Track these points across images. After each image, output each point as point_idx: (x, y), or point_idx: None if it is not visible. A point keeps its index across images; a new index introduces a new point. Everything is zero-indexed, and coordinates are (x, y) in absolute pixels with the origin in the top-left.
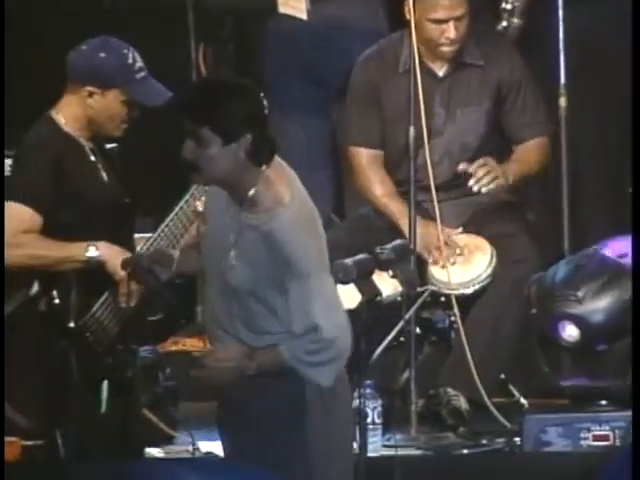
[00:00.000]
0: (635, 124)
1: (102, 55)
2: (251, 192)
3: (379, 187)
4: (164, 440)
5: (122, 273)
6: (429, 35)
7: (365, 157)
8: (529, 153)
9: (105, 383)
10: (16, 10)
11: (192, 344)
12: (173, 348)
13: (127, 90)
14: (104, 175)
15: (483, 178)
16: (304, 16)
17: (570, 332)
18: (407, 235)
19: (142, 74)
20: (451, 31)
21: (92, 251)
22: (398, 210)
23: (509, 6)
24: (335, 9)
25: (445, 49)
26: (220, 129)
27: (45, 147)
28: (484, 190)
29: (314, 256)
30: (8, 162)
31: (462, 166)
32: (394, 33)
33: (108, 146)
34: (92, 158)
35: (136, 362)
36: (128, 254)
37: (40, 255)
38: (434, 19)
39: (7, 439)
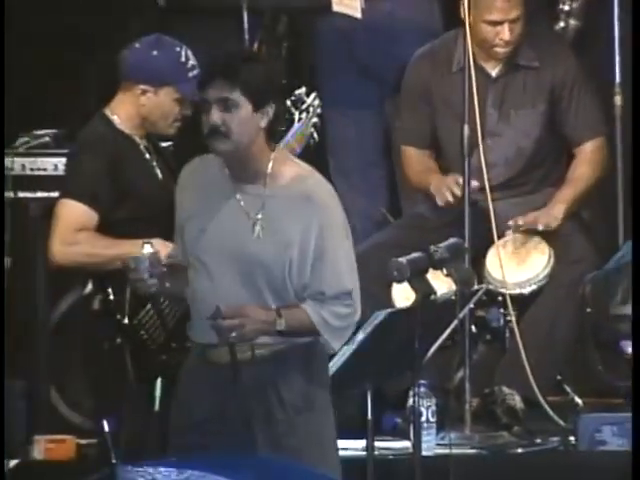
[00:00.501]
0: (635, 124)
1: (155, 53)
2: (269, 167)
3: (429, 176)
4: None
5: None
6: (484, 36)
7: (414, 156)
8: (585, 167)
9: (159, 381)
10: (66, 5)
11: None
12: None
13: (180, 88)
14: (158, 172)
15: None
16: (358, 15)
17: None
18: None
19: (194, 72)
20: (505, 33)
21: (147, 248)
22: (435, 179)
23: (567, 7)
24: (390, 7)
25: (499, 50)
26: (251, 93)
27: (101, 144)
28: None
29: (345, 221)
30: (54, 160)
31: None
32: (447, 32)
33: (162, 144)
34: (147, 156)
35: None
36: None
37: (96, 253)
38: (489, 21)
39: (61, 437)
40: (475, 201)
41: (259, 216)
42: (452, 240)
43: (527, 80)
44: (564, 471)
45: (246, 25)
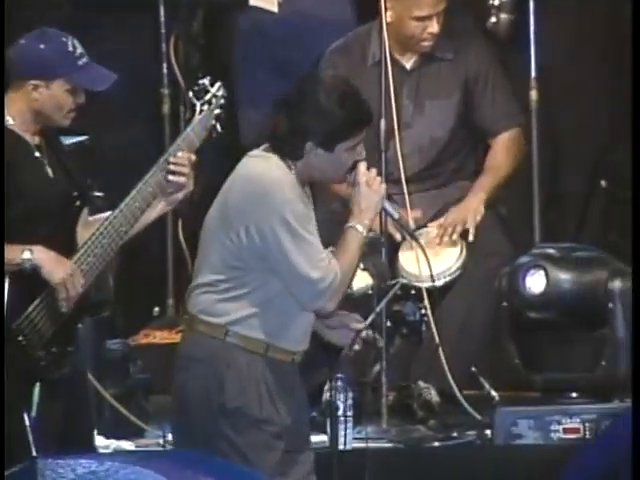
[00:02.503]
0: (635, 124)
1: (41, 47)
2: None
3: None
4: (135, 433)
5: (57, 279)
6: (411, 32)
7: None
8: (502, 156)
9: (38, 386)
10: None
11: (163, 337)
12: (144, 341)
13: (71, 78)
14: (49, 171)
15: (450, 236)
16: (275, 9)
17: (537, 282)
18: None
19: (84, 60)
20: (434, 26)
21: (27, 255)
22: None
23: (497, 2)
24: (304, 3)
25: (426, 44)
26: None
27: None
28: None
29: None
30: None
31: (432, 228)
32: (361, 26)
33: (73, 140)
34: (37, 154)
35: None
36: (64, 260)
37: None
38: (418, 16)
39: None
40: (390, 195)
41: None
42: (369, 235)
43: (442, 71)
44: (480, 465)
45: (162, 19)
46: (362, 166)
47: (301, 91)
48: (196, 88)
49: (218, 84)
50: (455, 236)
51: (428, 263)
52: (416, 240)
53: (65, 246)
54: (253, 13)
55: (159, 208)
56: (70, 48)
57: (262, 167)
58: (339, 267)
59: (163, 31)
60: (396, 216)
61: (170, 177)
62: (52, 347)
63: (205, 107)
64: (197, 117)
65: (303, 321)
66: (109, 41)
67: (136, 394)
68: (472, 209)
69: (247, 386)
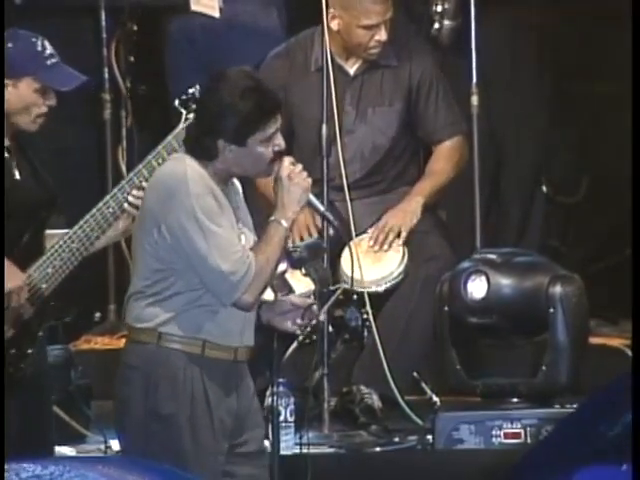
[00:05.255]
0: (635, 124)
1: (10, 45)
2: None
3: None
4: (76, 439)
5: (6, 289)
6: (359, 41)
7: None
8: (443, 161)
9: None
10: None
11: (104, 342)
12: (85, 347)
13: (39, 77)
14: (16, 172)
15: (384, 242)
16: (216, 14)
17: (478, 287)
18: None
19: (53, 60)
20: (382, 34)
21: None
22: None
23: (439, 8)
24: (231, 10)
25: (374, 51)
26: None
27: None
28: (385, 247)
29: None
30: None
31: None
32: (303, 32)
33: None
34: (6, 155)
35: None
36: (18, 272)
37: None
38: (367, 25)
39: None
40: (332, 201)
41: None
42: (311, 239)
43: (385, 78)
44: (422, 470)
45: (103, 23)
46: (286, 160)
47: (206, 90)
48: (184, 97)
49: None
50: (388, 243)
51: (353, 264)
52: (344, 237)
53: (29, 250)
54: (183, 19)
55: (121, 227)
56: (39, 48)
57: (170, 167)
58: (257, 260)
59: (104, 36)
60: (322, 209)
61: (126, 206)
62: (11, 349)
63: (190, 116)
64: (181, 125)
65: (238, 315)
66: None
67: (77, 400)
68: (408, 212)
69: (181, 391)
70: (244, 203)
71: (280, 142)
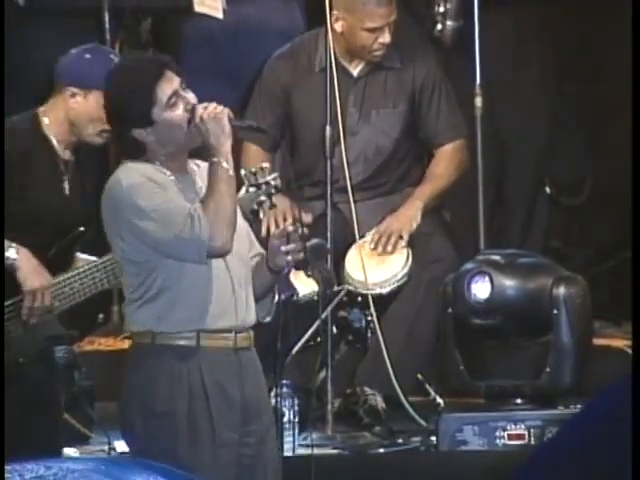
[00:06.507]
0: (635, 123)
1: (87, 57)
2: None
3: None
4: (80, 440)
5: (30, 286)
6: (363, 43)
7: (256, 157)
8: (444, 164)
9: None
10: None
11: (107, 344)
12: (88, 348)
13: None
14: (67, 188)
15: (385, 246)
16: (220, 15)
17: (482, 288)
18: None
19: None
20: (386, 36)
21: (11, 252)
22: None
23: (442, 9)
24: (251, 9)
25: (378, 53)
26: None
27: (18, 138)
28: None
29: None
30: None
31: (368, 235)
32: (307, 33)
33: None
34: (61, 168)
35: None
36: (46, 274)
37: None
38: (371, 28)
39: None
40: (336, 202)
41: None
42: (314, 241)
43: (388, 80)
44: (425, 471)
45: (107, 25)
46: (196, 108)
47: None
48: (253, 169)
49: (275, 174)
50: (390, 246)
51: (364, 267)
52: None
53: (56, 264)
54: (199, 20)
55: None
56: None
57: (111, 177)
58: (206, 206)
59: (108, 37)
60: (247, 122)
61: None
62: (19, 357)
63: (252, 189)
64: (240, 194)
65: (227, 293)
66: (53, 47)
67: (81, 401)
68: (407, 216)
69: (178, 388)
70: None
71: (188, 97)
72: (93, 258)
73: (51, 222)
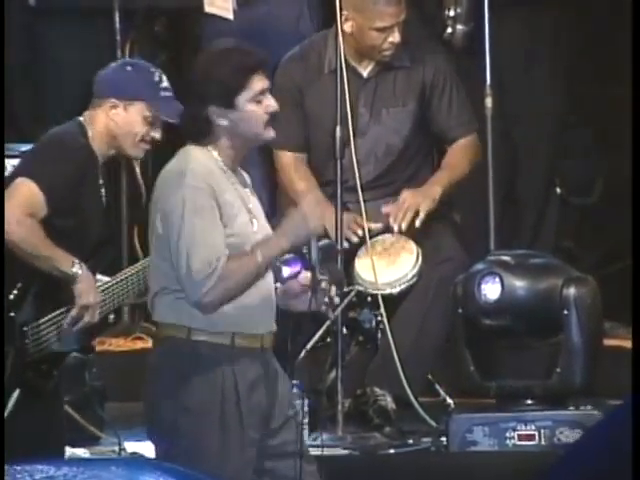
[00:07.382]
0: (635, 123)
1: (128, 69)
2: None
3: (302, 184)
4: (90, 440)
5: (85, 301)
6: (372, 43)
7: (289, 159)
8: (459, 156)
9: (16, 392)
10: None
11: (118, 344)
12: (99, 348)
13: (150, 105)
14: (104, 201)
15: (402, 220)
16: (230, 16)
17: (492, 289)
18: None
19: (167, 94)
20: (396, 36)
21: (77, 268)
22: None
23: (452, 13)
24: (264, 11)
25: (388, 53)
26: None
27: (73, 150)
28: (404, 226)
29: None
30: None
31: (385, 209)
32: (315, 34)
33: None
34: (100, 181)
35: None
36: (98, 292)
37: (33, 244)
38: (380, 27)
39: None
40: (345, 202)
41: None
42: (325, 241)
43: (398, 79)
44: (436, 472)
45: (117, 25)
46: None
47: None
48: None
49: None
50: (405, 222)
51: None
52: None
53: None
54: (213, 22)
55: None
56: (156, 79)
57: (173, 162)
58: (228, 265)
59: (118, 38)
60: (313, 257)
61: None
62: (42, 365)
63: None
64: None
65: (261, 301)
66: (62, 47)
67: (91, 401)
68: (427, 196)
69: (212, 385)
70: (254, 195)
71: (271, 103)
72: (106, 278)
73: (95, 236)
